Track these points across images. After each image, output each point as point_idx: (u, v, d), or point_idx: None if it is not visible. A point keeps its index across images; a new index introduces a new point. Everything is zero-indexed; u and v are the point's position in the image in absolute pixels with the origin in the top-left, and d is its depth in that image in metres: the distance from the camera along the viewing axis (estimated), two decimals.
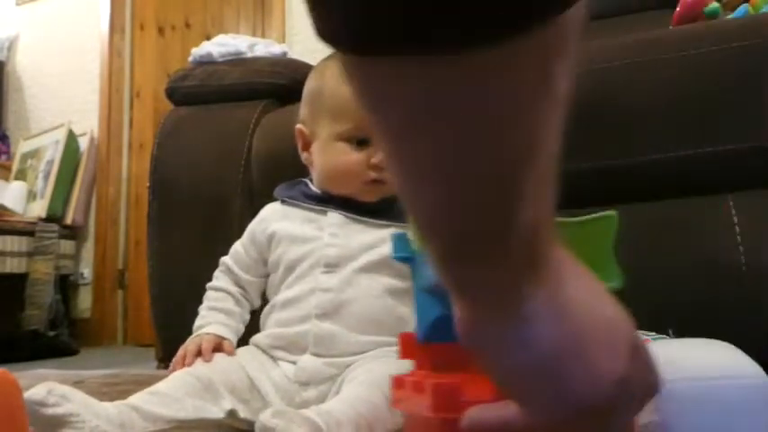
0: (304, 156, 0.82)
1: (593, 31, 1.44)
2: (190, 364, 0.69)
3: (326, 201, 0.77)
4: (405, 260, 0.53)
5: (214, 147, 1.19)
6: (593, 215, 0.40)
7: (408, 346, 0.53)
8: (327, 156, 0.77)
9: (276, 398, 0.68)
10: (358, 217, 0.75)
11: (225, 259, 0.82)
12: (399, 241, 0.53)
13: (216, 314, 0.77)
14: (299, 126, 0.82)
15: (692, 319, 0.74)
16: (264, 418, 0.49)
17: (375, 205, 0.76)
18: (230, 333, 0.76)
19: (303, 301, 0.72)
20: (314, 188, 0.80)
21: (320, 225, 0.76)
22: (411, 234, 0.53)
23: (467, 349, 0.27)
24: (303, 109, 0.83)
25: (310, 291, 0.72)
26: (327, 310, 0.70)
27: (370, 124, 0.22)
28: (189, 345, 0.72)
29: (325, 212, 0.77)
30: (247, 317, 0.79)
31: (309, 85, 0.82)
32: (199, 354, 0.71)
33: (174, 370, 0.68)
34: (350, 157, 0.74)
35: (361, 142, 0.74)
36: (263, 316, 0.78)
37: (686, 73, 0.81)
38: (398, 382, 0.50)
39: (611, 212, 0.40)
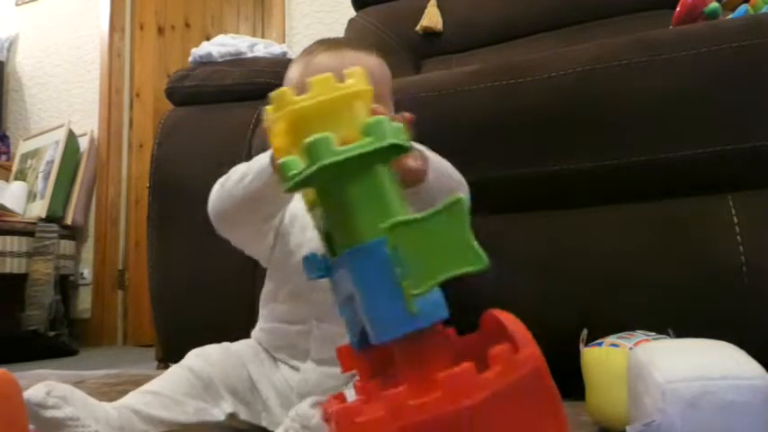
0: None
1: (593, 30, 1.44)
2: None
3: None
4: (321, 278, 0.52)
5: (214, 147, 1.19)
6: (441, 204, 0.38)
7: (347, 358, 0.52)
8: None
9: (276, 402, 0.67)
10: None
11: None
12: (310, 262, 0.51)
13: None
14: None
15: (692, 319, 0.74)
16: (301, 409, 0.50)
17: None
18: None
19: (303, 299, 0.71)
20: None
21: None
22: (320, 251, 0.52)
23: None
24: None
25: (310, 289, 0.71)
26: (326, 311, 0.70)
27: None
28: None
29: None
30: None
31: None
32: None
33: None
34: None
35: None
36: (262, 299, 0.76)
37: (686, 73, 0.81)
38: (325, 406, 0.50)
39: (458, 196, 0.38)
